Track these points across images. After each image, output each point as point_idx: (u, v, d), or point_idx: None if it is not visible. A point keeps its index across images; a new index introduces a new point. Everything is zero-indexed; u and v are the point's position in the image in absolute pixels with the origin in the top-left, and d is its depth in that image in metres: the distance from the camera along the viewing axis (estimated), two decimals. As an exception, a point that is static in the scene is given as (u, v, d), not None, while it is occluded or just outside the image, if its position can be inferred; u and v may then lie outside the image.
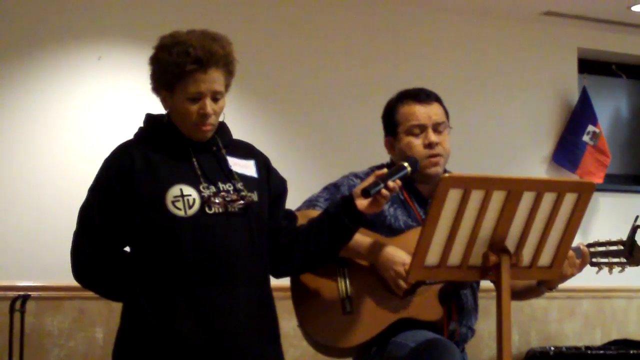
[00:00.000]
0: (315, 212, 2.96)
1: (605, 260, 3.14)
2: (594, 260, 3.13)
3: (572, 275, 3.03)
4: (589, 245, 3.13)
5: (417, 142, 3.12)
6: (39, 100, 4.86)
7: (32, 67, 4.87)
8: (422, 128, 3.13)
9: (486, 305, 3.38)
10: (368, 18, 5.64)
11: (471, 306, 3.16)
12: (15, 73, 4.84)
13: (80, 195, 2.78)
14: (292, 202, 2.97)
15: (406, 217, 3.12)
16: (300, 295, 3.05)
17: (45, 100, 4.87)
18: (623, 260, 3.14)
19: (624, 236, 3.15)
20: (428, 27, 5.80)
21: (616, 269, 3.15)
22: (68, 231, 2.78)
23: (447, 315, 3.06)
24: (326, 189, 3.18)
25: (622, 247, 3.14)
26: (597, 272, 3.18)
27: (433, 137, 3.11)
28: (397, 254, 2.98)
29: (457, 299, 3.10)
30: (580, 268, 3.04)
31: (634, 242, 3.14)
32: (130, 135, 2.81)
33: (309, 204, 3.12)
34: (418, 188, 3.16)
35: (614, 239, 3.16)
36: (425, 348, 2.88)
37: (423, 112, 3.14)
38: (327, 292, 3.02)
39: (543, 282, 3.07)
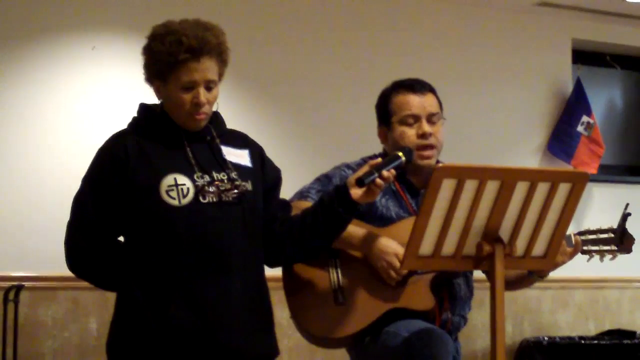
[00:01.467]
0: (307, 204, 2.95)
1: (596, 248, 3.14)
2: (585, 248, 3.13)
3: (563, 262, 3.03)
4: (580, 233, 3.13)
5: (410, 132, 3.11)
6: (33, 90, 4.84)
7: (27, 57, 4.85)
8: (416, 118, 3.12)
9: (480, 296, 3.38)
10: (362, 9, 5.62)
11: (465, 295, 3.16)
12: (9, 63, 4.82)
13: (74, 185, 2.78)
14: (285, 192, 2.97)
15: (398, 207, 3.12)
16: (292, 287, 3.04)
17: (40, 90, 4.85)
18: (614, 247, 3.14)
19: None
20: (422, 18, 5.79)
21: (607, 257, 3.16)
22: (62, 221, 2.78)
23: (440, 305, 3.06)
24: (318, 180, 3.17)
25: (612, 235, 3.14)
26: (588, 260, 3.18)
27: (427, 127, 3.11)
28: (390, 244, 2.98)
29: (449, 288, 3.10)
30: (571, 256, 3.04)
31: (625, 229, 3.14)
32: (124, 125, 2.81)
33: (301, 195, 3.11)
34: (410, 179, 3.15)
35: (604, 226, 3.17)
36: (418, 337, 2.88)
37: (417, 103, 3.13)
38: (318, 283, 3.02)
39: (534, 270, 3.07)
